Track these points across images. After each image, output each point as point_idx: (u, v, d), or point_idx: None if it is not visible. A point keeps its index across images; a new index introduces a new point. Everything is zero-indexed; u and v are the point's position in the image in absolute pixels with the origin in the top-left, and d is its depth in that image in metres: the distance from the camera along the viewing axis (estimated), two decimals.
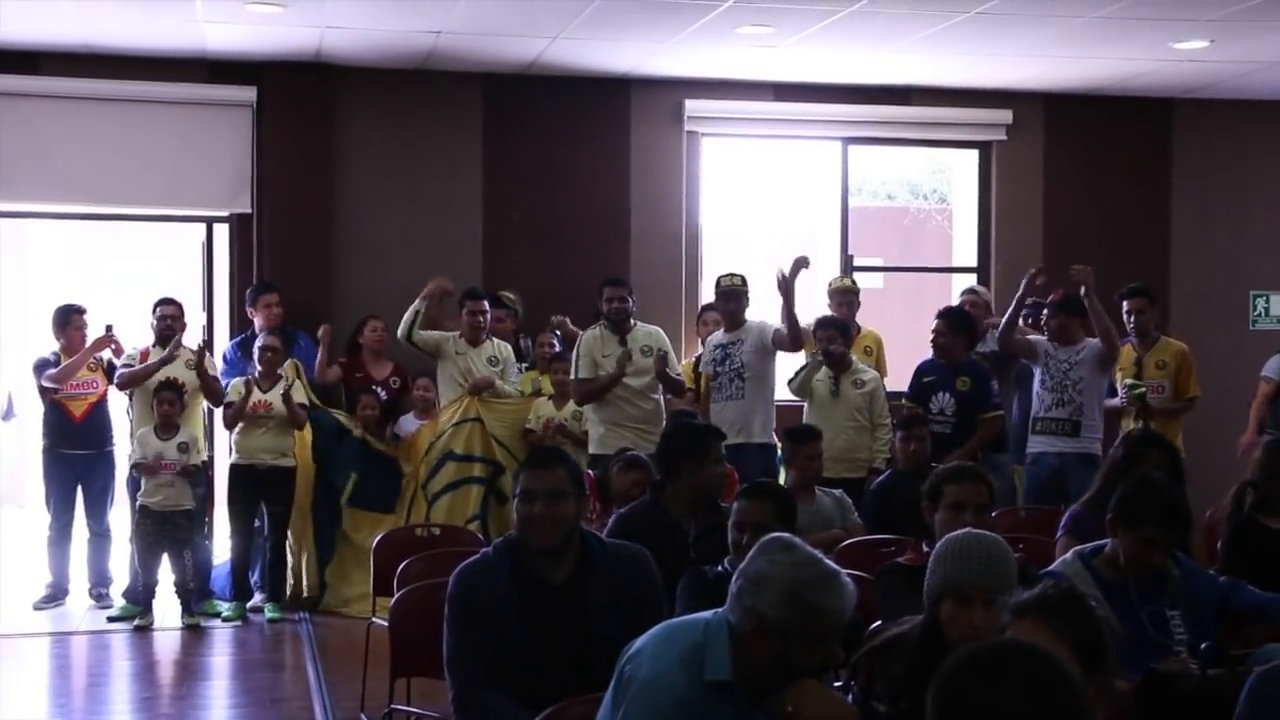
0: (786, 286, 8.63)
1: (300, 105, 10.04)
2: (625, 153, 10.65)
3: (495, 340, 9.42)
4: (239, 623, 8.77)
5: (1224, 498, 6.20)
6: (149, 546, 8.63)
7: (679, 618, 3.56)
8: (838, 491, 7.26)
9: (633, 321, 8.83)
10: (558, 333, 9.64)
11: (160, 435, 8.66)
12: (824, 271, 10.73)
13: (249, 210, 10.10)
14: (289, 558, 9.17)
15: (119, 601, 9.01)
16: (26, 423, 11.29)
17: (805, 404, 8.78)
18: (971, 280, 11.26)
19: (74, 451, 9.19)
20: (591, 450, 8.53)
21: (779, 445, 8.40)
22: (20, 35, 9.24)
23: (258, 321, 9.43)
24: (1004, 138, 11.17)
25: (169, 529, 8.63)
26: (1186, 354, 8.94)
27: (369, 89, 10.20)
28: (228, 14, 8.65)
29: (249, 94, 9.98)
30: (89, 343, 9.20)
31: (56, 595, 9.22)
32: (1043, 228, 11.25)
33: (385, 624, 5.48)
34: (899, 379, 9.31)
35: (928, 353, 8.81)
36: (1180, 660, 4.19)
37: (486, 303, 9.38)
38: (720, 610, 3.36)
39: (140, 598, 8.72)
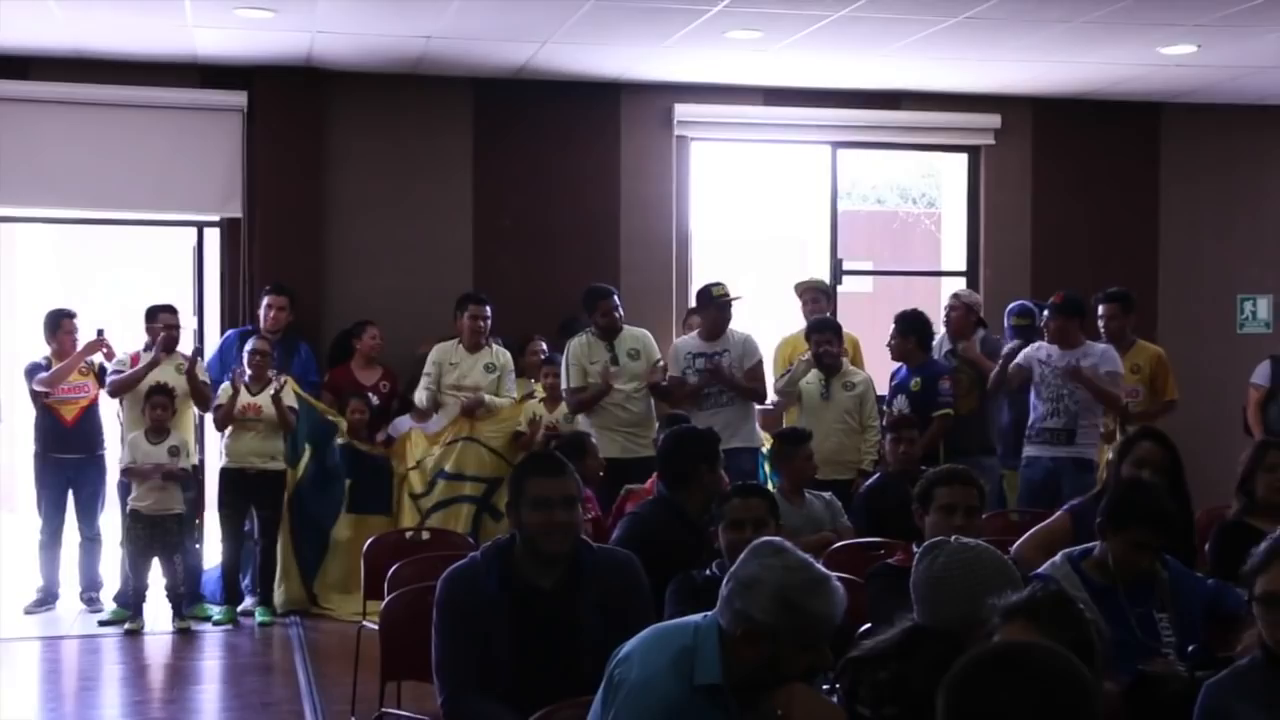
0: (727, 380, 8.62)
1: (291, 110, 10.05)
2: (615, 157, 10.67)
3: (494, 346, 9.38)
4: (230, 626, 8.77)
5: (1211, 501, 6.23)
6: (140, 551, 8.63)
7: (668, 621, 3.57)
8: (827, 494, 7.28)
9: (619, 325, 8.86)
10: (542, 341, 9.61)
11: (151, 439, 8.66)
12: (815, 277, 10.77)
13: (239, 215, 10.10)
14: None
15: (109, 605, 9.01)
16: (17, 427, 11.27)
17: (795, 406, 8.79)
18: (960, 284, 11.29)
19: (65, 456, 9.18)
20: None
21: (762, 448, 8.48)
22: (10, 40, 9.23)
23: (262, 322, 9.44)
24: (992, 142, 11.21)
25: (159, 533, 8.63)
26: (1162, 358, 8.96)
27: (359, 93, 10.21)
28: (218, 19, 8.65)
29: (240, 99, 9.98)
30: (79, 347, 9.20)
31: (47, 599, 9.21)
32: (1031, 232, 11.29)
33: (376, 627, 5.48)
34: (881, 383, 9.30)
35: None
36: (1168, 662, 4.21)
37: (485, 307, 9.29)
38: (710, 613, 3.37)
39: (130, 601, 8.72)
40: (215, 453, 9.56)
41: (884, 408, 8.80)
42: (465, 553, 4.94)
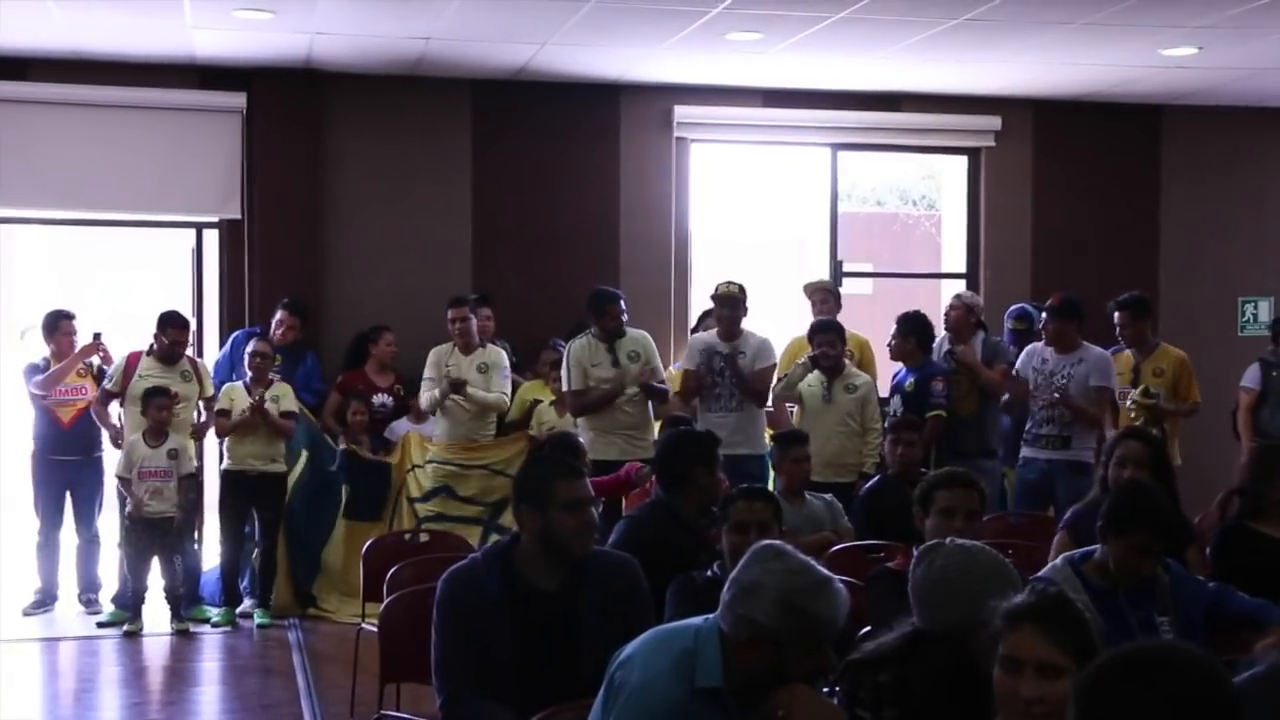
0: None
1: (290, 111, 10.04)
2: (615, 158, 10.66)
3: (490, 345, 9.38)
4: (229, 628, 8.75)
5: (1213, 504, 6.22)
6: (139, 553, 8.61)
7: (669, 624, 3.56)
8: (827, 496, 7.27)
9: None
10: (560, 342, 9.56)
11: (150, 442, 8.64)
12: (815, 278, 10.76)
13: (239, 216, 10.09)
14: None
15: (108, 607, 8.99)
16: (15, 428, 11.25)
17: (796, 408, 8.77)
18: (961, 286, 11.29)
19: (63, 458, 9.17)
20: None
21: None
22: (9, 41, 9.22)
23: (272, 332, 9.44)
24: (993, 144, 11.20)
25: (158, 535, 8.61)
26: (1185, 361, 8.88)
27: (358, 95, 10.21)
28: (217, 20, 8.64)
29: (239, 100, 9.97)
30: (77, 349, 9.19)
31: (46, 601, 9.19)
32: (1031, 234, 11.28)
33: (375, 629, 5.47)
34: (884, 384, 9.32)
35: None
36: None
37: (467, 309, 9.29)
38: (710, 617, 3.36)
39: (128, 603, 8.70)
40: (213, 455, 9.55)
41: (884, 409, 8.80)
42: (464, 555, 4.94)
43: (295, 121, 10.06)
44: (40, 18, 8.57)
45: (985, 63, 9.79)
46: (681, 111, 10.61)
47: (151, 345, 8.99)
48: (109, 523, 9.30)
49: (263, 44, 9.29)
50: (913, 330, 8.83)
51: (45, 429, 9.22)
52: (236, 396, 8.90)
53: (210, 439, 9.32)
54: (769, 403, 9.02)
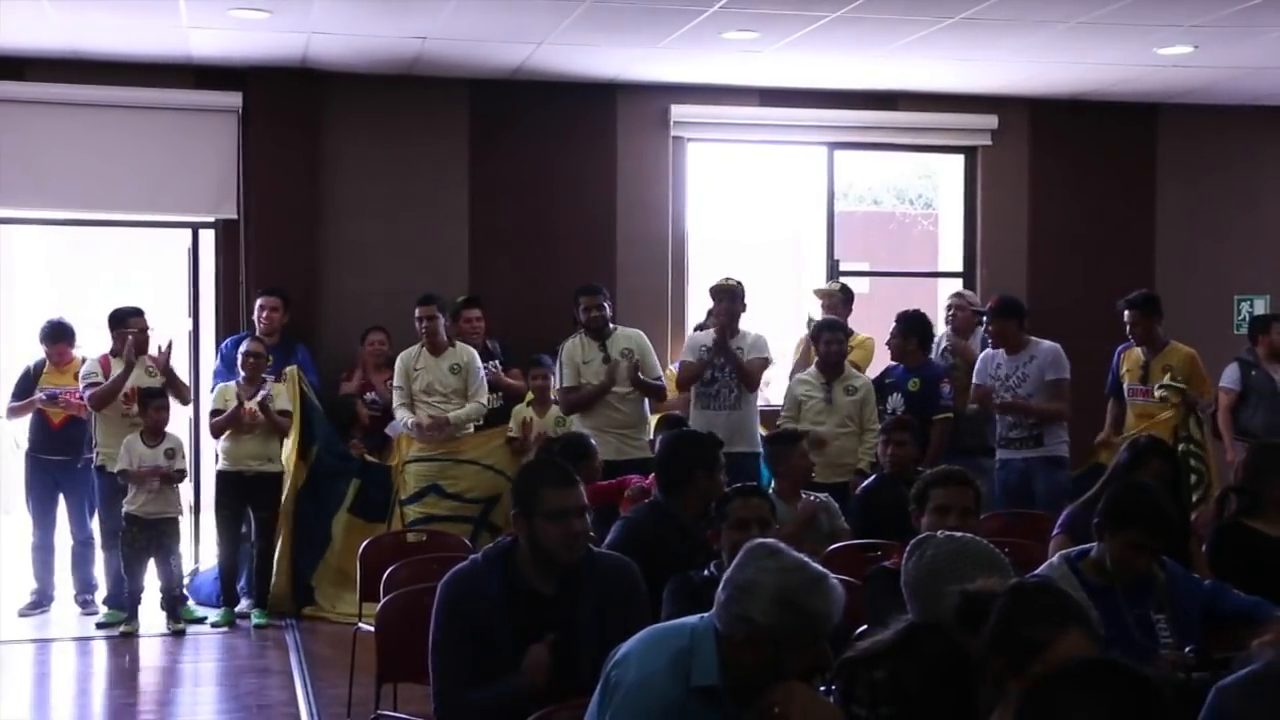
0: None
1: (286, 111, 10.03)
2: (612, 158, 10.66)
3: (459, 345, 9.26)
4: (226, 629, 8.74)
5: (1209, 503, 6.23)
6: (136, 554, 8.60)
7: (663, 623, 3.57)
8: (824, 495, 7.27)
9: (612, 326, 8.84)
10: (547, 359, 9.49)
11: (147, 442, 8.63)
12: (811, 277, 10.79)
13: (235, 216, 10.09)
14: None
15: (103, 608, 8.99)
16: (11, 429, 11.24)
17: (794, 410, 8.76)
18: (957, 285, 11.30)
19: (52, 457, 9.18)
20: None
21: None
22: (5, 41, 9.21)
23: (257, 325, 9.42)
24: (989, 143, 11.21)
25: (155, 536, 8.61)
26: (1195, 358, 8.87)
27: (355, 94, 10.20)
28: (213, 20, 8.63)
29: (235, 99, 9.97)
30: (74, 357, 9.19)
31: (41, 602, 9.19)
32: (1028, 232, 11.29)
33: (372, 629, 5.47)
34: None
35: None
36: (1179, 657, 4.21)
37: (435, 307, 9.16)
38: (705, 616, 3.37)
39: (123, 602, 8.70)
40: (208, 455, 9.54)
41: (879, 406, 8.78)
42: (461, 555, 4.94)
43: (291, 121, 10.05)
44: (36, 17, 8.56)
45: (982, 62, 9.79)
46: (678, 111, 10.61)
47: (114, 348, 8.91)
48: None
49: (259, 43, 9.28)
50: (914, 330, 8.86)
51: (35, 429, 9.24)
52: (230, 397, 8.88)
53: (205, 440, 9.32)
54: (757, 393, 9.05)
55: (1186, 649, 4.24)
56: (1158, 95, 11.07)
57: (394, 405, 9.17)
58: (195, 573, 9.50)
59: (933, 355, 9.13)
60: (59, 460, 9.18)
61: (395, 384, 9.16)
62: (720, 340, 8.58)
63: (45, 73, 9.72)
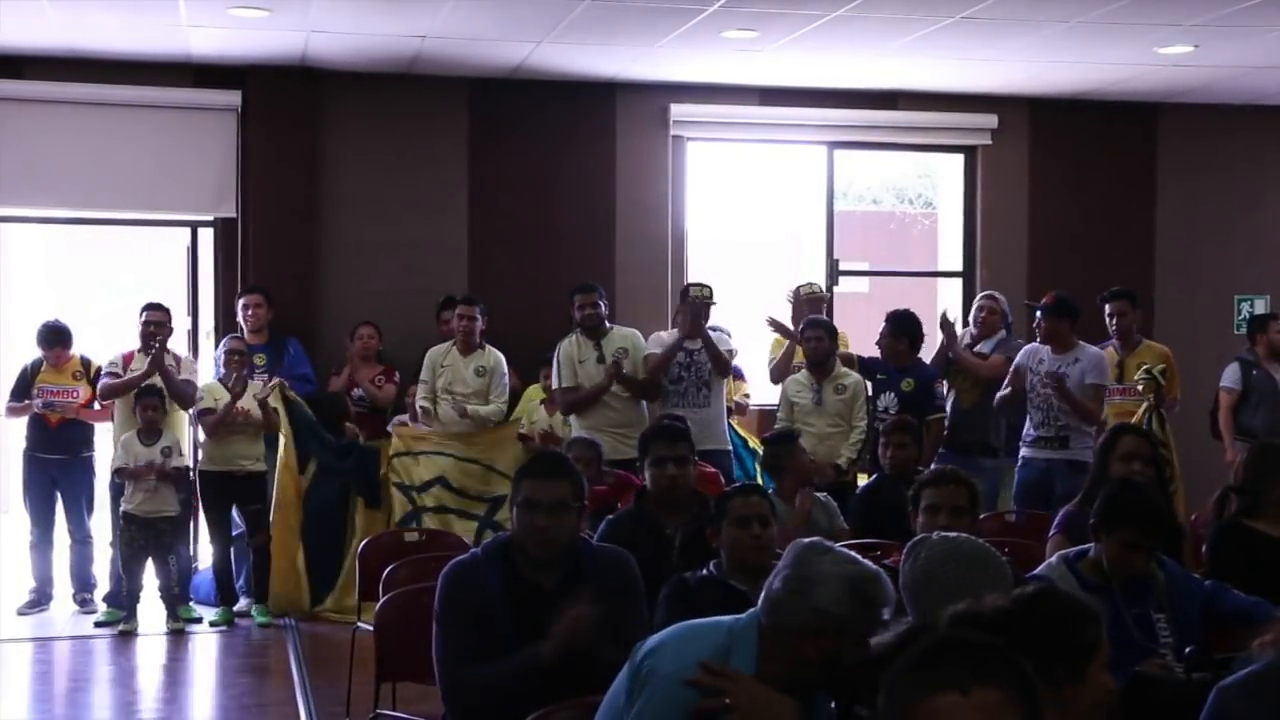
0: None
1: (285, 109, 10.03)
2: (611, 157, 10.65)
3: (489, 349, 9.28)
4: (225, 627, 8.74)
5: (1208, 502, 6.21)
6: (134, 553, 8.59)
7: (697, 620, 3.56)
8: (823, 495, 7.26)
9: (608, 325, 8.84)
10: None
11: (144, 440, 8.63)
12: (811, 277, 10.77)
13: (234, 215, 10.08)
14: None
15: (102, 606, 8.98)
16: (10, 428, 11.25)
17: (787, 412, 8.74)
18: (957, 284, 11.31)
19: (49, 456, 9.16)
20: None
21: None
22: (4, 40, 9.20)
23: (243, 325, 9.41)
24: (989, 142, 11.20)
25: (153, 534, 8.60)
26: (1169, 357, 8.94)
27: (354, 93, 10.19)
28: (212, 18, 8.63)
29: (234, 98, 9.96)
30: (74, 360, 9.19)
31: (40, 600, 9.18)
32: (1028, 232, 11.28)
33: (371, 629, 5.46)
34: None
35: None
36: (1164, 663, 4.20)
37: (476, 309, 9.20)
38: (744, 614, 3.40)
39: (121, 601, 8.69)
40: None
41: (873, 406, 8.78)
42: (460, 554, 4.92)
43: (290, 120, 10.05)
44: (36, 16, 8.55)
45: (981, 61, 9.79)
46: (678, 110, 10.60)
47: (141, 346, 8.95)
48: (101, 522, 9.28)
49: (258, 42, 9.28)
50: (904, 330, 8.85)
51: (33, 427, 9.23)
52: (219, 394, 8.85)
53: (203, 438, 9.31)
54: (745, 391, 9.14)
55: (1187, 649, 4.24)
56: (1158, 95, 11.06)
57: (417, 399, 9.16)
58: (194, 571, 9.48)
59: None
60: (57, 459, 9.16)
61: (421, 378, 9.20)
62: (677, 345, 8.68)
63: (44, 71, 9.72)
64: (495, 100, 10.37)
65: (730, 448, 8.81)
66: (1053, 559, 4.79)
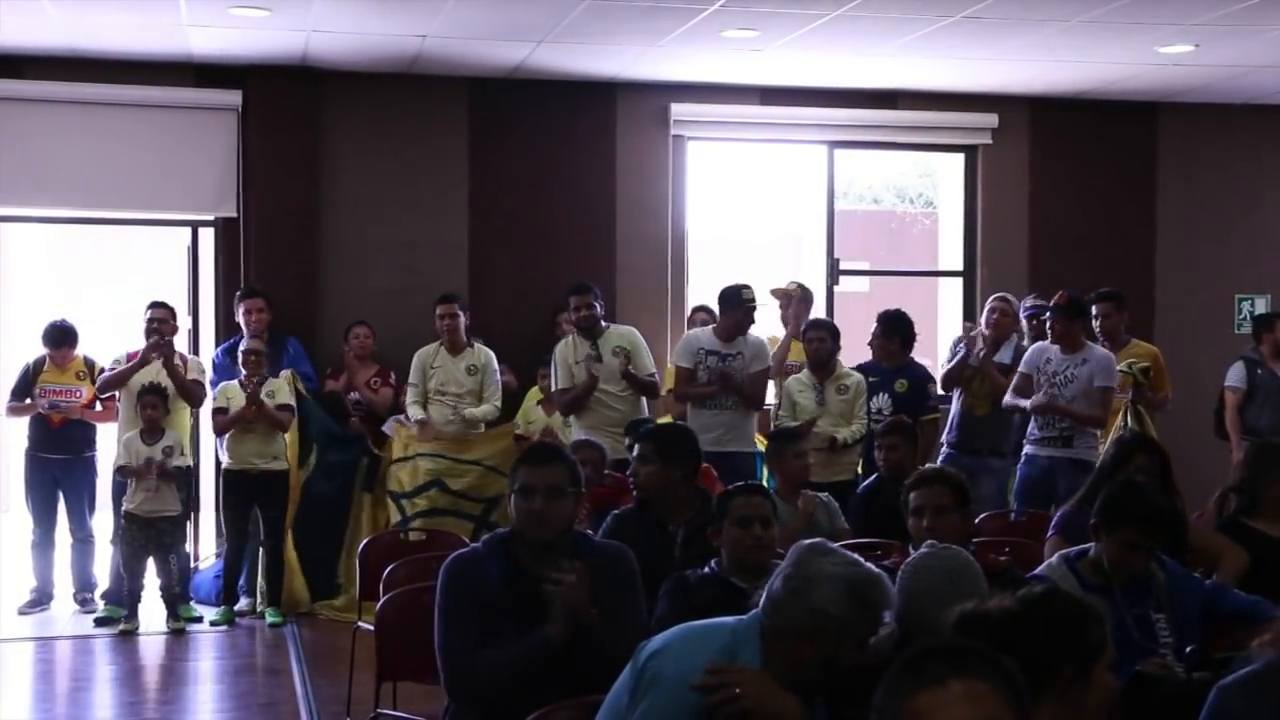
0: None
1: (286, 109, 10.03)
2: (611, 157, 10.65)
3: (478, 346, 9.30)
4: (225, 627, 8.74)
5: (1208, 502, 6.22)
6: (135, 552, 8.60)
7: (700, 622, 3.56)
8: (824, 496, 7.26)
9: (604, 324, 8.82)
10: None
11: (145, 439, 8.64)
12: (811, 276, 10.78)
13: (235, 214, 10.08)
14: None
15: (102, 605, 8.98)
16: (10, 427, 11.25)
17: (790, 411, 8.74)
18: (957, 284, 11.31)
19: (51, 455, 9.17)
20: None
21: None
22: (4, 40, 9.20)
23: (243, 327, 9.41)
24: (989, 141, 11.20)
25: (154, 534, 8.60)
26: (1157, 356, 8.93)
27: (355, 93, 10.20)
28: (213, 18, 8.63)
29: (234, 98, 9.96)
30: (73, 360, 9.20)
31: (41, 600, 9.19)
32: (1028, 231, 11.28)
33: (371, 628, 5.47)
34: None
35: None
36: (1164, 663, 4.21)
37: (456, 306, 9.20)
38: (746, 616, 3.42)
39: (122, 599, 8.70)
40: (209, 454, 9.53)
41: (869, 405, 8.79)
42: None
43: (291, 119, 10.05)
44: (36, 16, 8.55)
45: (982, 60, 9.79)
46: (678, 109, 10.60)
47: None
48: (103, 521, 9.29)
49: (259, 42, 9.28)
50: (896, 330, 8.89)
51: (35, 426, 9.24)
52: (233, 395, 8.88)
53: (206, 438, 9.32)
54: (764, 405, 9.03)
55: (1187, 649, 4.24)
56: (1158, 94, 11.07)
57: (407, 401, 9.15)
58: (195, 570, 9.49)
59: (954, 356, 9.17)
60: (59, 458, 9.17)
61: (410, 380, 9.17)
62: (724, 375, 8.49)
63: (45, 71, 9.72)
64: (495, 100, 10.37)
65: (757, 449, 8.61)
66: (1053, 559, 4.80)
